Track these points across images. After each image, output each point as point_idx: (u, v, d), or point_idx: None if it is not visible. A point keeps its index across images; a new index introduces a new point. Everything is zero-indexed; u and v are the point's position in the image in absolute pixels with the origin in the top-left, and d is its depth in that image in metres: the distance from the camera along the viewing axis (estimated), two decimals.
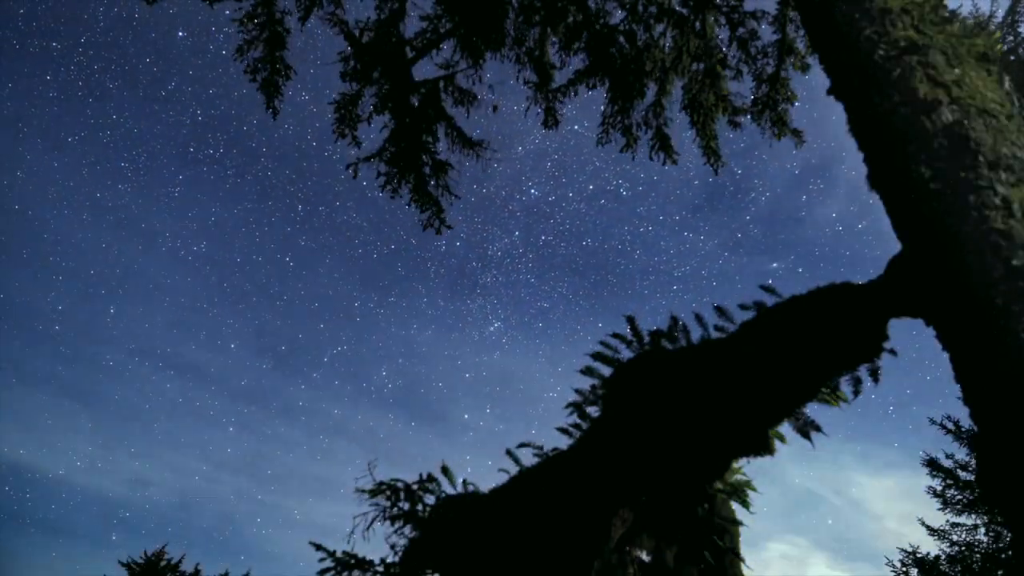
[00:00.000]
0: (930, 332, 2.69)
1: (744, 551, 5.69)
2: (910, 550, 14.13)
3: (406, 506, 5.02)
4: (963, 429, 13.88)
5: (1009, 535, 13.12)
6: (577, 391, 5.76)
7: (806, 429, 4.88)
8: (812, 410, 4.85)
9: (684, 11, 7.65)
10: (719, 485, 5.73)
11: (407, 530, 4.95)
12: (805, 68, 7.86)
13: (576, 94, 8.16)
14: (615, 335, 5.62)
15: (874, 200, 2.94)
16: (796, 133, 8.17)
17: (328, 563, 4.95)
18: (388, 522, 5.00)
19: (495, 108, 7.89)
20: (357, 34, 7.30)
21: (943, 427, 14.06)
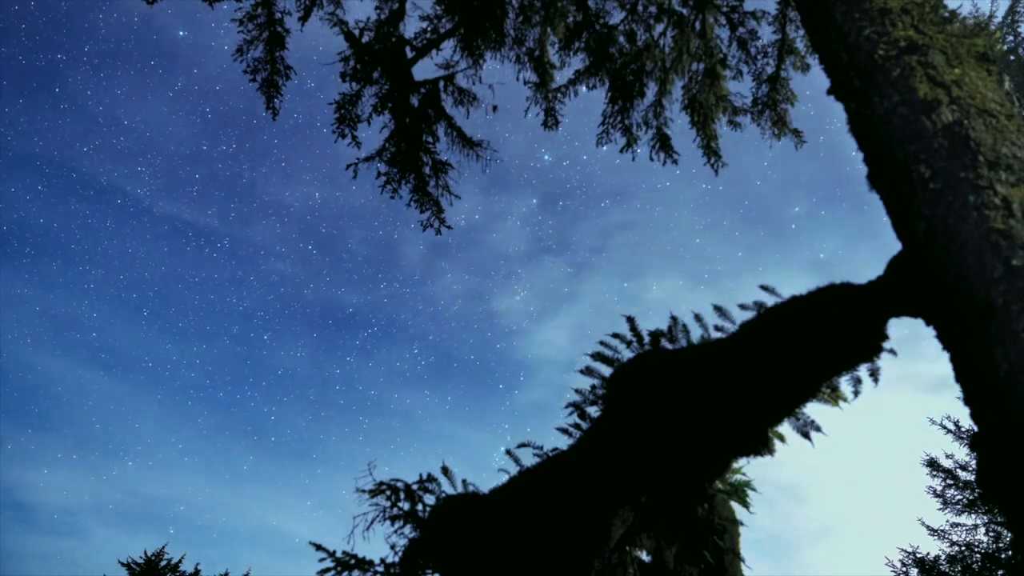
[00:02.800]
0: (930, 332, 2.69)
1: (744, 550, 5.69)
2: (910, 550, 14.14)
3: (406, 506, 5.02)
4: (963, 429, 13.89)
5: (1009, 535, 13.13)
6: (577, 391, 5.76)
7: (806, 429, 4.88)
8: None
9: (684, 11, 7.65)
10: (719, 485, 5.73)
11: (407, 530, 4.95)
12: (805, 68, 7.87)
13: (576, 94, 8.17)
14: (615, 335, 5.63)
15: (874, 200, 2.94)
16: (796, 133, 8.18)
17: (328, 563, 4.95)
18: (388, 522, 4.99)
19: (495, 108, 7.89)
20: (357, 34, 7.30)
21: (943, 427, 14.08)
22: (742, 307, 4.66)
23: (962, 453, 14.14)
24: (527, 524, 4.32)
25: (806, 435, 4.88)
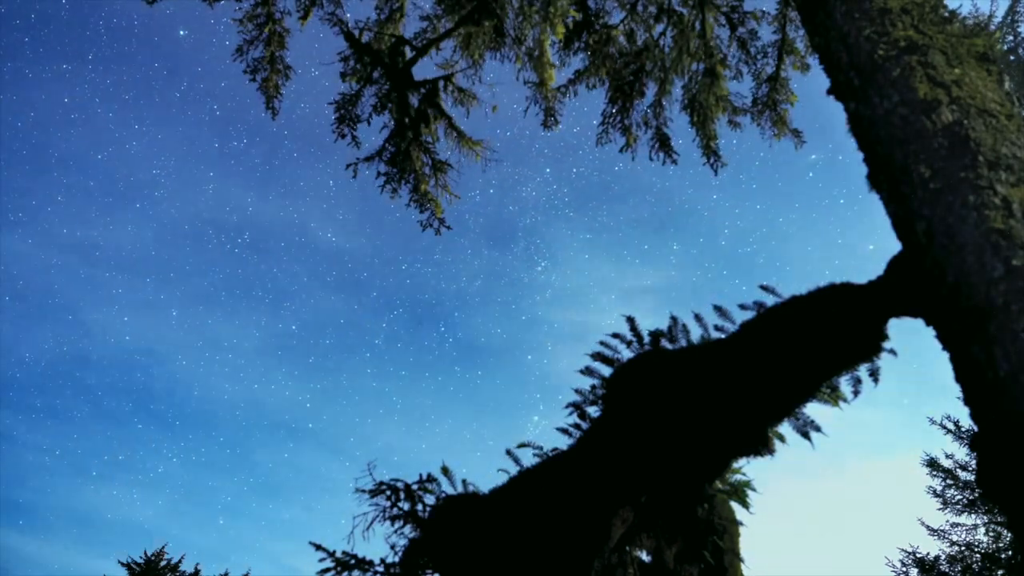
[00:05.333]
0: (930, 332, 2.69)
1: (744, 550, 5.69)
2: (910, 550, 14.14)
3: (406, 506, 5.02)
4: (963, 429, 13.89)
5: (1009, 535, 13.13)
6: (577, 391, 5.76)
7: (806, 429, 4.88)
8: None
9: (684, 11, 7.65)
10: (719, 485, 5.73)
11: (407, 530, 4.95)
12: (805, 68, 7.87)
13: (576, 94, 8.16)
14: (615, 335, 5.63)
15: (874, 199, 2.94)
16: (796, 133, 8.17)
17: (328, 563, 4.95)
18: (388, 522, 4.99)
19: (495, 108, 7.89)
20: (357, 34, 7.30)
21: (943, 427, 14.08)
22: (742, 307, 4.66)
23: (962, 453, 14.15)
24: (527, 524, 4.32)
25: (806, 435, 4.88)
